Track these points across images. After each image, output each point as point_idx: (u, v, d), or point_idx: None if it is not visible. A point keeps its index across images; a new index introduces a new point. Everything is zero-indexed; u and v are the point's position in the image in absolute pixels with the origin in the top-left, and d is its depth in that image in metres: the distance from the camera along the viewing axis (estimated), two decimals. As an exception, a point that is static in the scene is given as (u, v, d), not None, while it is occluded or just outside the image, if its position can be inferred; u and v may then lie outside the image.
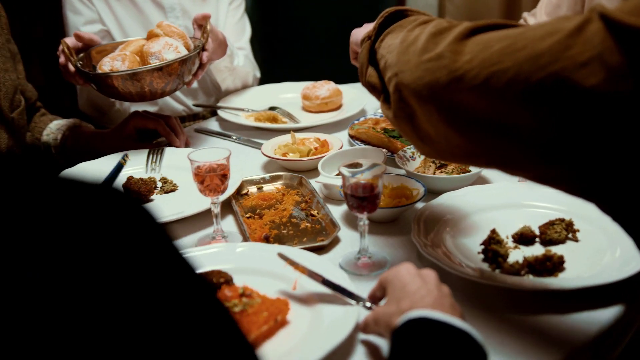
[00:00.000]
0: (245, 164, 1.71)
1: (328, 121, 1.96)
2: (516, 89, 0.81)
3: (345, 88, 2.14)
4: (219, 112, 2.05)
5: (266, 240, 1.35)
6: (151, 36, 1.81)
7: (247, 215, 1.45)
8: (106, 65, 1.72)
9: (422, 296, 0.94)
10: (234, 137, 1.91)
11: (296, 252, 1.23)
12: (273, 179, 1.60)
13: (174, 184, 1.59)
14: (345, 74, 2.09)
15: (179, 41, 1.78)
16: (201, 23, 1.83)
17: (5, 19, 1.83)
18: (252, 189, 1.57)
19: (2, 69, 1.70)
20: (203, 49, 1.79)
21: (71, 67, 1.73)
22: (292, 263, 1.14)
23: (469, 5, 3.45)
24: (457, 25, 0.95)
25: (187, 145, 1.87)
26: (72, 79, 1.76)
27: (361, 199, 1.20)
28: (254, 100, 2.12)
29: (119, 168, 1.40)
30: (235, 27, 2.32)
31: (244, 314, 1.04)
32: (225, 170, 1.31)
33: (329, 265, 1.19)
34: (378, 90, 1.13)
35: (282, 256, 1.16)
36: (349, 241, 1.35)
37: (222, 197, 1.38)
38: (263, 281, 1.17)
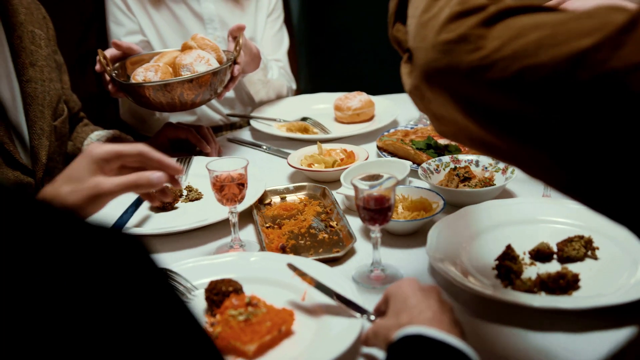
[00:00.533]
0: (272, 174, 1.73)
1: (359, 132, 1.97)
2: (552, 89, 0.71)
3: (378, 99, 2.14)
4: (252, 121, 2.08)
5: (282, 250, 1.36)
6: (185, 48, 1.85)
7: (267, 225, 1.47)
8: (139, 75, 1.77)
9: (421, 311, 0.93)
10: (264, 147, 1.94)
11: (308, 263, 1.23)
12: (297, 189, 1.61)
13: (199, 192, 1.62)
14: (389, 86, 2.10)
15: (212, 54, 1.82)
16: (235, 35, 1.86)
17: (52, 32, 1.89)
18: (276, 199, 1.59)
19: (47, 78, 1.76)
20: (235, 62, 1.82)
21: (106, 76, 1.78)
22: (300, 274, 1.15)
23: None
24: (486, 2, 0.81)
25: (219, 153, 1.90)
26: (107, 88, 1.82)
27: (373, 211, 1.20)
28: (287, 111, 2.14)
29: (137, 203, 1.45)
30: (273, 39, 2.35)
31: (247, 323, 1.05)
32: (242, 179, 1.33)
33: (339, 277, 1.20)
34: (403, 47, 0.97)
35: (291, 266, 1.17)
36: (366, 253, 1.35)
37: (241, 207, 1.40)
38: (273, 291, 1.19)
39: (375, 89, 2.18)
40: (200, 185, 1.64)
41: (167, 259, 1.35)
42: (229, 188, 1.32)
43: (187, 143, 1.90)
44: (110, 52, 1.84)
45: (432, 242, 1.29)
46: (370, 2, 3.00)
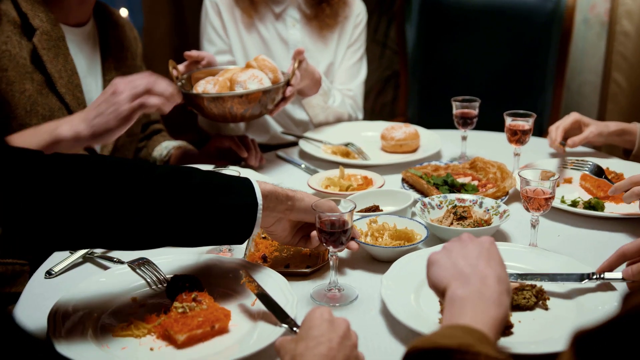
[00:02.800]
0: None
1: (396, 162, 2.04)
2: None
3: (426, 132, 2.20)
4: (300, 141, 2.20)
5: (263, 259, 1.47)
6: (246, 67, 2.02)
7: (263, 236, 1.58)
8: (200, 86, 1.95)
9: (318, 344, 0.97)
10: (302, 166, 2.06)
11: (269, 274, 1.34)
12: (307, 208, 1.72)
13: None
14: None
15: (268, 74, 1.97)
16: (295, 57, 2.01)
17: (140, 50, 2.21)
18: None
19: None
20: (288, 84, 1.97)
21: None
22: (248, 281, 1.26)
23: None
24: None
25: (260, 163, 2.06)
26: None
27: (328, 233, 1.29)
28: (338, 134, 2.25)
29: None
30: (349, 70, 2.47)
31: (183, 315, 1.18)
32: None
33: (288, 290, 1.29)
34: None
35: (244, 272, 1.29)
36: (348, 275, 1.44)
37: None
38: (230, 293, 1.31)
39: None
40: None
41: (160, 252, 1.51)
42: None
43: (233, 152, 2.06)
44: (183, 64, 2.06)
45: (393, 270, 1.35)
46: (484, 38, 3.05)
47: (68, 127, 1.57)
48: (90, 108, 1.62)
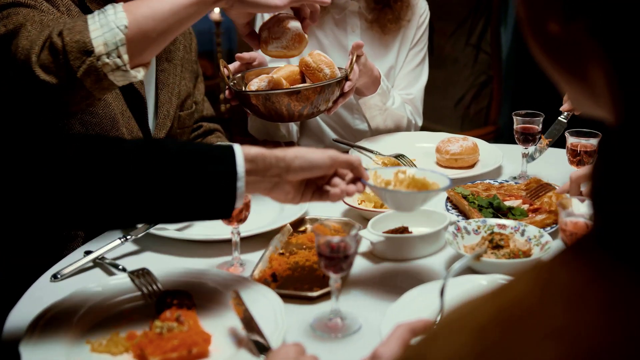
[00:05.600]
0: (331, 205, 1.73)
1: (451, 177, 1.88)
2: None
3: (488, 147, 2.04)
4: (351, 150, 2.09)
5: (273, 278, 1.38)
6: (302, 64, 1.92)
7: (281, 252, 1.49)
8: (254, 85, 1.88)
9: None
10: (348, 177, 1.95)
11: (268, 295, 1.25)
12: (337, 223, 1.61)
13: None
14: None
15: (325, 70, 1.87)
16: (352, 51, 1.91)
17: (195, 45, 2.16)
18: (310, 228, 1.61)
19: (179, 75, 2.01)
20: (346, 79, 1.86)
21: (227, 92, 1.92)
22: (235, 303, 1.18)
23: None
24: None
25: None
26: (228, 95, 1.97)
27: (327, 257, 1.18)
28: (391, 144, 2.12)
29: None
30: (410, 74, 2.34)
31: (159, 336, 1.11)
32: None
33: (280, 316, 1.19)
34: None
35: (235, 292, 1.20)
36: (352, 301, 1.32)
37: (247, 229, 1.46)
38: (221, 314, 1.23)
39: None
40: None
41: (164, 262, 1.46)
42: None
43: None
44: (234, 65, 2.00)
45: (403, 301, 1.23)
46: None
47: None
48: None
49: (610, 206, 0.50)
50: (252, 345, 1.10)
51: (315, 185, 1.31)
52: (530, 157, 1.89)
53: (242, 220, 1.40)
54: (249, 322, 1.14)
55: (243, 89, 1.89)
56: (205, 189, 1.14)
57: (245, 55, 2.00)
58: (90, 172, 1.09)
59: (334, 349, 1.18)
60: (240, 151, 1.17)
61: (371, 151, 2.07)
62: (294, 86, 1.78)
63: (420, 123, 2.34)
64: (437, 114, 3.91)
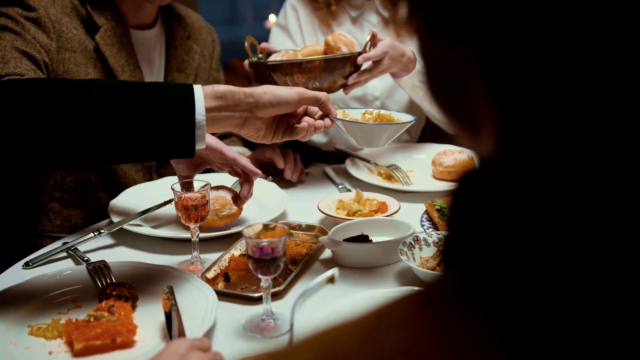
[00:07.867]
0: (308, 211, 1.76)
1: (439, 189, 1.88)
2: None
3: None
4: (348, 159, 2.11)
5: (224, 277, 1.42)
6: (325, 44, 1.95)
7: (243, 253, 1.53)
8: (272, 58, 1.94)
9: None
10: (340, 186, 1.97)
11: (208, 294, 1.29)
12: (308, 229, 1.64)
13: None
14: None
15: (342, 48, 1.89)
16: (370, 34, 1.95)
17: (217, 53, 2.24)
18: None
19: (203, 79, 2.09)
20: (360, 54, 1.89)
21: (246, 63, 1.98)
22: (165, 298, 1.22)
23: None
24: None
25: (300, 179, 2.00)
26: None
27: (257, 260, 1.21)
28: (388, 155, 2.12)
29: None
30: None
31: (85, 324, 1.17)
32: (197, 201, 1.43)
33: (213, 316, 1.23)
34: None
35: (169, 288, 1.25)
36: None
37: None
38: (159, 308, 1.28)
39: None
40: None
41: (122, 255, 1.53)
42: (192, 209, 1.44)
43: (274, 166, 2.02)
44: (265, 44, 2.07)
45: (331, 309, 1.24)
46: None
47: None
48: None
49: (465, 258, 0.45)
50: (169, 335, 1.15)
51: (286, 124, 1.38)
52: None
53: (199, 219, 1.45)
54: (170, 317, 1.18)
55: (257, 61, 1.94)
56: (165, 138, 1.20)
57: (270, 46, 2.06)
58: (57, 114, 1.17)
59: (262, 349, 1.21)
60: (200, 94, 1.22)
61: (367, 161, 2.09)
62: (297, 59, 1.82)
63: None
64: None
